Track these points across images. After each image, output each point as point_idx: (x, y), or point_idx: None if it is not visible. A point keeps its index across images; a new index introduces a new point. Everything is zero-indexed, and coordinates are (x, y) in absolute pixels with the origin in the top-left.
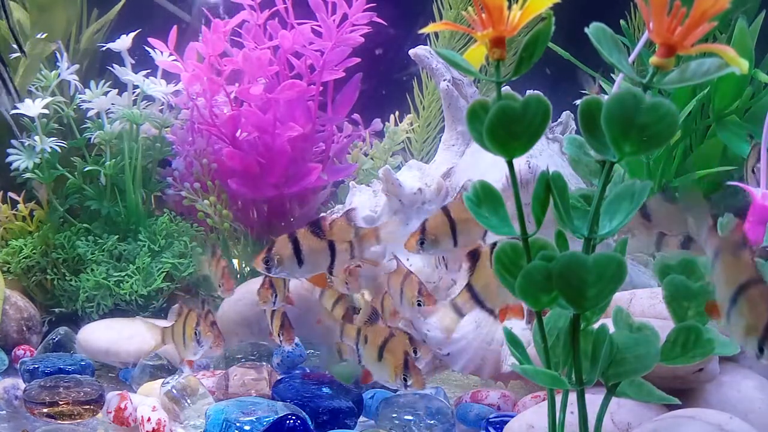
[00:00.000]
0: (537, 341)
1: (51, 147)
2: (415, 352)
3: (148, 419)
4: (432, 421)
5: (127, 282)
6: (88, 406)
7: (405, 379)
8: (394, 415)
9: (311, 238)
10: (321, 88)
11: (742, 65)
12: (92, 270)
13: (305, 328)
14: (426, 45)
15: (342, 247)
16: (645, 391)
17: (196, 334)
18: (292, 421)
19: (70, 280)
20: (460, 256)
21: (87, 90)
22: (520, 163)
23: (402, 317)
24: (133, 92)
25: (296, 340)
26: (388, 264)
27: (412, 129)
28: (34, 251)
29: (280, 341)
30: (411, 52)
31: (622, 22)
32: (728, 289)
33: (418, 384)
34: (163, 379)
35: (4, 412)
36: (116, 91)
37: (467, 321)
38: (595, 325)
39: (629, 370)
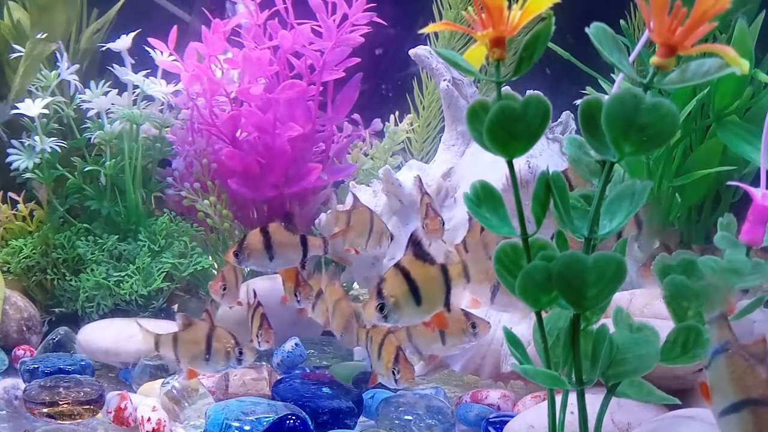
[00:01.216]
0: (537, 341)
1: (51, 147)
2: (473, 326)
3: (148, 419)
4: (432, 421)
5: (127, 282)
6: (88, 406)
7: (394, 373)
8: (394, 415)
9: (283, 232)
10: (321, 88)
11: (742, 65)
12: (92, 270)
13: (305, 327)
14: (426, 45)
15: (315, 243)
16: (645, 391)
17: (240, 353)
18: (292, 421)
19: (70, 280)
20: None
21: (87, 90)
22: (520, 163)
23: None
24: (133, 92)
25: (296, 340)
26: (389, 264)
27: (412, 129)
28: (34, 251)
29: (259, 342)
30: (411, 52)
31: (622, 22)
32: (734, 392)
33: (405, 379)
34: (163, 379)
35: (4, 412)
36: (116, 91)
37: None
38: (595, 325)
39: (629, 370)
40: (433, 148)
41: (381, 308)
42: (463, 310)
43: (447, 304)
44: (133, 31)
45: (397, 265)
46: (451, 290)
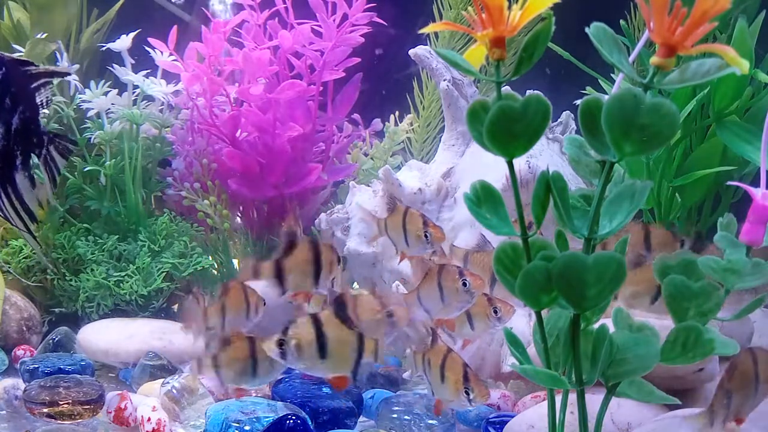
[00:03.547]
0: (537, 341)
1: None
2: (495, 311)
3: (148, 419)
4: (432, 421)
5: (127, 282)
6: (88, 406)
7: (467, 392)
8: (394, 416)
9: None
10: (321, 88)
11: (742, 65)
12: (92, 270)
13: None
14: (426, 45)
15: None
16: (645, 391)
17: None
18: (292, 421)
19: (70, 280)
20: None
21: (87, 90)
22: (520, 163)
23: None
24: (133, 92)
25: None
26: (387, 264)
27: (412, 129)
28: (34, 251)
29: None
30: (411, 52)
31: (622, 22)
32: None
33: (481, 396)
34: (163, 379)
35: (4, 412)
36: (116, 91)
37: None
38: (595, 325)
39: (629, 370)
40: (433, 148)
41: (281, 344)
42: (485, 294)
43: (355, 372)
44: (133, 31)
45: (314, 316)
46: (361, 359)
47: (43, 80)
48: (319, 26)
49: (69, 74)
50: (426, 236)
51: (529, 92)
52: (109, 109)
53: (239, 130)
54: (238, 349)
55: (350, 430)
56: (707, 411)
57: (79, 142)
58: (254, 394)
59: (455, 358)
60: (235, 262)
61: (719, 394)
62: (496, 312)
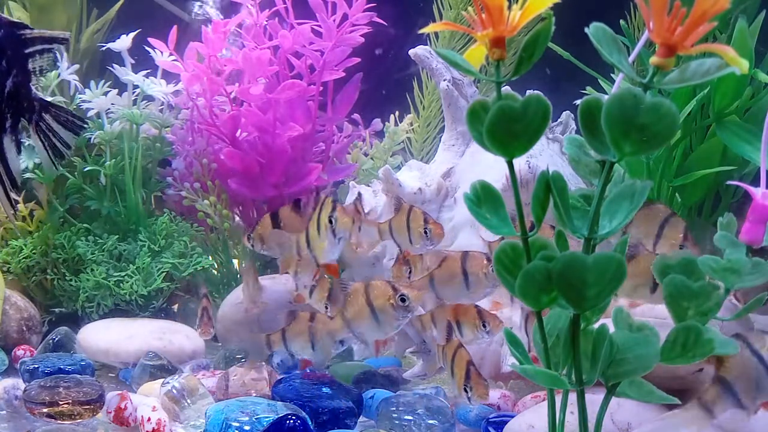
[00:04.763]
0: (537, 341)
1: None
2: (483, 325)
3: (148, 419)
4: (432, 421)
5: (127, 282)
6: (88, 406)
7: (466, 390)
8: (394, 415)
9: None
10: (321, 88)
11: (742, 65)
12: (92, 270)
13: None
14: (426, 45)
15: None
16: (645, 391)
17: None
18: (292, 421)
19: (70, 280)
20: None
21: (87, 90)
22: (520, 163)
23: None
24: (133, 92)
25: None
26: (387, 264)
27: (412, 129)
28: (34, 251)
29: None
30: (411, 52)
31: (622, 22)
32: None
33: (479, 395)
34: (163, 379)
35: (4, 412)
36: (116, 91)
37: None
38: (596, 325)
39: (629, 370)
40: (433, 148)
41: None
42: (476, 306)
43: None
44: (133, 31)
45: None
46: None
47: (39, 46)
48: (319, 26)
49: (66, 40)
50: (426, 232)
51: (529, 92)
52: (109, 109)
53: (239, 130)
54: (302, 322)
55: (350, 430)
56: (697, 403)
57: (86, 120)
58: (254, 394)
59: (463, 355)
60: (235, 262)
61: (713, 385)
62: (485, 326)
